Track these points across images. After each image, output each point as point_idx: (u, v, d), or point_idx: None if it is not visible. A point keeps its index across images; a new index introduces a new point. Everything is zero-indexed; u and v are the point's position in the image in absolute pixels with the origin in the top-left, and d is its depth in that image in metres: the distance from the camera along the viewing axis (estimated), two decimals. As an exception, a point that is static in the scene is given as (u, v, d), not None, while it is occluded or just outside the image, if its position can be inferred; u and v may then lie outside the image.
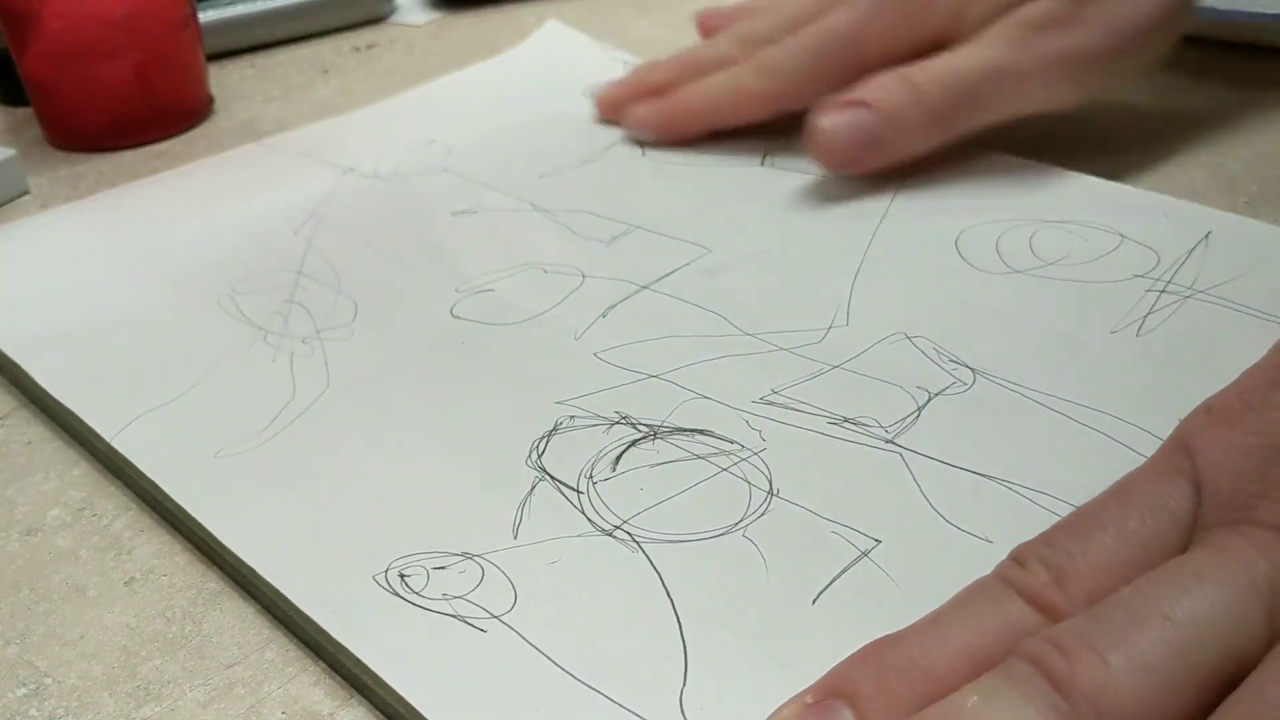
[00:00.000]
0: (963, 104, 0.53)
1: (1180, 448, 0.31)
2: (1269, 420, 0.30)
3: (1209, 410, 0.31)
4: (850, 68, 0.56)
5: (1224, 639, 0.26)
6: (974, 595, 0.30)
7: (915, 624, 0.30)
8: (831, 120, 0.54)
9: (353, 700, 0.33)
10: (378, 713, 0.33)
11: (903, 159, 0.54)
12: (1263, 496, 0.28)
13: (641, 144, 0.62)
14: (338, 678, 0.34)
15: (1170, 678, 0.26)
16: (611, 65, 0.70)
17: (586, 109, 0.65)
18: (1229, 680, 0.26)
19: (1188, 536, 0.29)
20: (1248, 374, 0.32)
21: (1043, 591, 0.29)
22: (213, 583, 0.38)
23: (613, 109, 0.64)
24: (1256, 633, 0.26)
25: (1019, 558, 0.30)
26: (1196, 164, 0.56)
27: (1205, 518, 0.29)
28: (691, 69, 0.62)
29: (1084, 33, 0.52)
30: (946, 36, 0.55)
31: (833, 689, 0.28)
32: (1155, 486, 0.30)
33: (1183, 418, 0.32)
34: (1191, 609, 0.26)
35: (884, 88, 0.54)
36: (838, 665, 0.29)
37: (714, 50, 0.63)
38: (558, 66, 0.73)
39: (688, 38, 0.76)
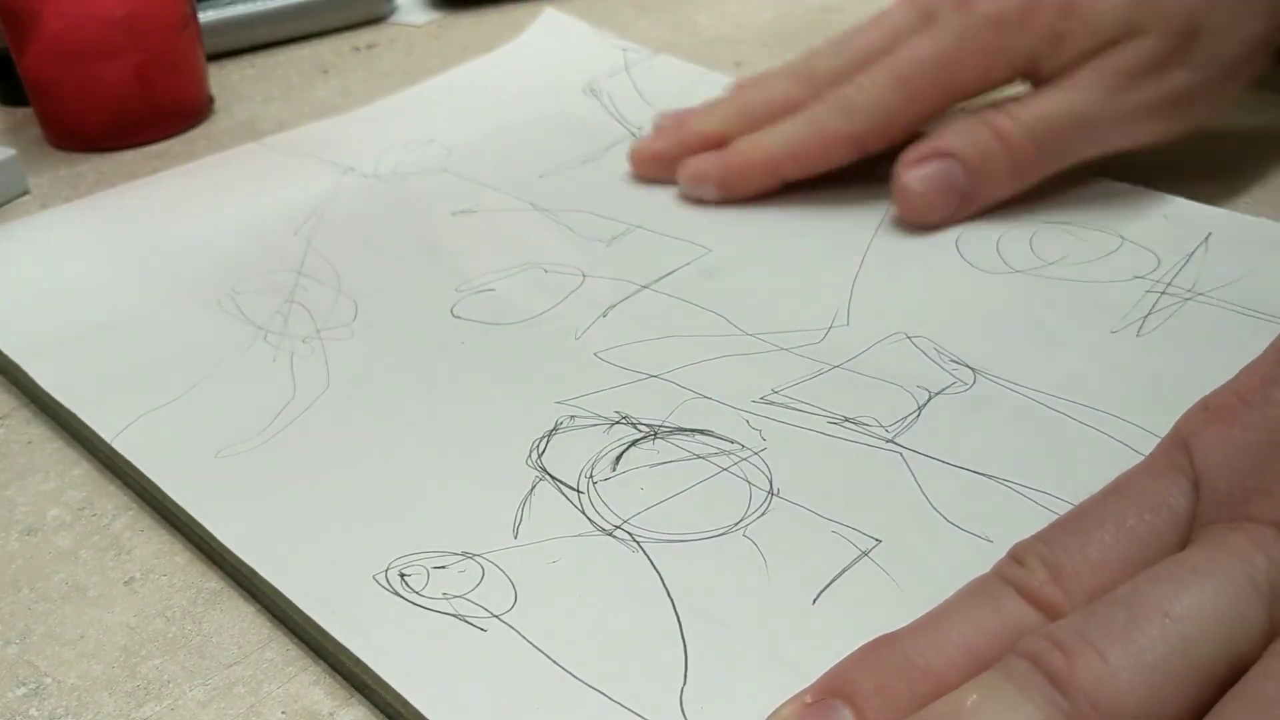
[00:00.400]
0: (1049, 152, 0.51)
1: (1179, 445, 0.31)
2: (1267, 416, 0.30)
3: (1207, 408, 0.31)
4: (942, 100, 0.53)
5: (1223, 635, 0.26)
6: (973, 593, 0.30)
7: (914, 623, 0.30)
8: (919, 177, 0.51)
9: (353, 700, 0.33)
10: (378, 713, 0.33)
11: (992, 204, 0.52)
12: (1260, 492, 0.28)
13: (703, 202, 0.56)
14: (338, 678, 0.34)
15: (1170, 674, 0.26)
16: (611, 54, 0.70)
17: (587, 107, 0.65)
18: (1228, 677, 0.26)
19: (1186, 533, 0.29)
20: (1245, 371, 0.32)
21: (1041, 589, 0.29)
22: (213, 582, 0.38)
23: (657, 165, 0.58)
24: (1255, 629, 0.26)
25: (1018, 556, 0.30)
26: (1197, 164, 0.56)
27: (1204, 514, 0.29)
28: (746, 117, 0.56)
29: (1186, 73, 0.50)
30: (1042, 64, 0.51)
31: (832, 688, 0.28)
32: (1154, 484, 0.30)
33: (1181, 416, 0.32)
34: (1191, 606, 0.26)
35: (970, 136, 0.51)
36: (837, 665, 0.29)
37: (773, 92, 0.57)
38: (558, 59, 0.73)
39: (688, 37, 0.76)
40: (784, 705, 0.29)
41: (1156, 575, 0.27)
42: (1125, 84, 0.49)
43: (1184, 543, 0.29)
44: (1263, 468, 0.29)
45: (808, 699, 0.28)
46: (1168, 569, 0.27)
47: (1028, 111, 0.50)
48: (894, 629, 0.29)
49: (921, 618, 0.30)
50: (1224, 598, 0.26)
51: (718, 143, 0.56)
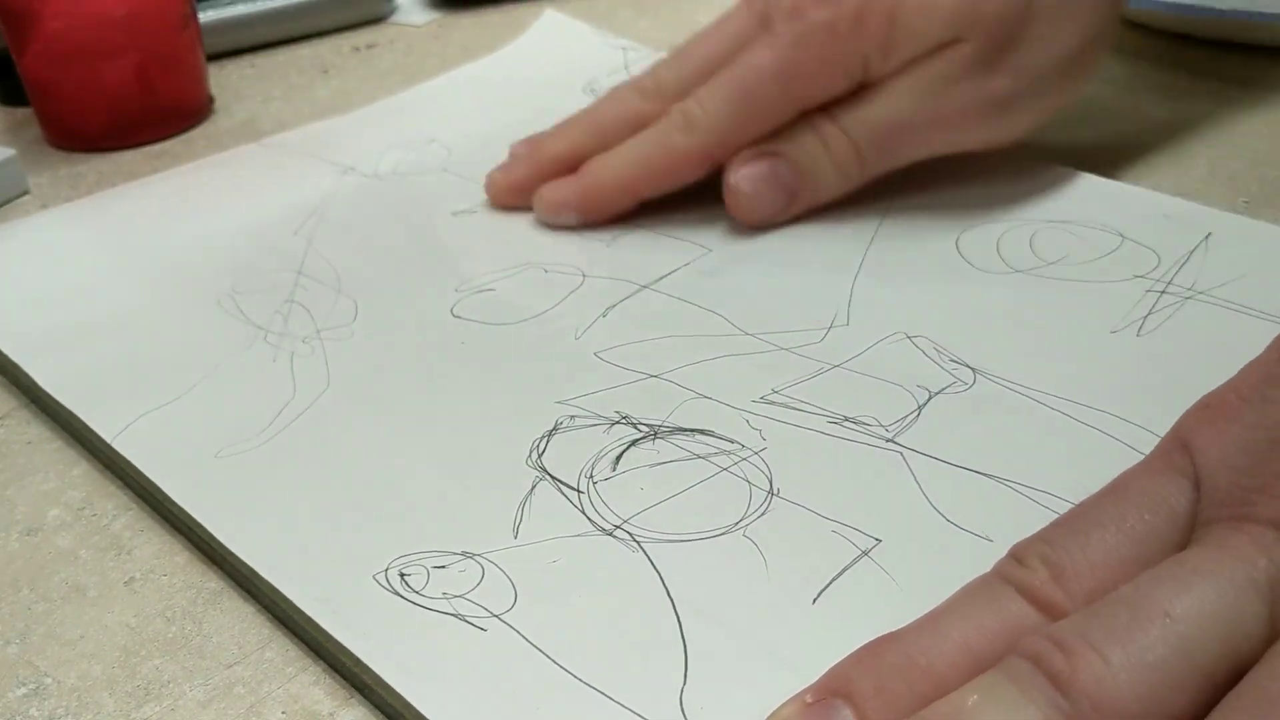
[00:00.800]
0: (871, 155, 0.52)
1: (1178, 444, 0.31)
2: (1266, 415, 0.30)
3: (1206, 407, 0.31)
4: (781, 109, 0.53)
5: (1224, 636, 0.26)
6: (973, 593, 0.30)
7: (915, 622, 0.29)
8: (746, 176, 0.52)
9: (353, 700, 0.33)
10: (377, 712, 0.33)
11: (820, 205, 0.53)
12: (1261, 492, 0.28)
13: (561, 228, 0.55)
14: (338, 677, 0.34)
15: (1171, 675, 0.26)
16: (611, 54, 0.70)
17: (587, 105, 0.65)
18: (1229, 677, 0.26)
19: (1187, 533, 0.29)
20: (1245, 370, 0.32)
21: (1042, 589, 0.29)
22: (213, 582, 0.38)
23: (513, 194, 0.57)
24: (1256, 630, 0.26)
25: (1019, 555, 0.30)
26: (1196, 164, 0.56)
27: (1204, 514, 0.29)
28: (596, 134, 0.56)
29: (1002, 81, 0.51)
30: (873, 70, 0.51)
31: (832, 688, 0.28)
32: (1154, 483, 0.30)
33: (1181, 415, 0.32)
34: (1192, 606, 0.26)
35: (797, 138, 0.52)
36: (837, 664, 0.29)
37: (618, 107, 0.57)
38: (558, 60, 0.73)
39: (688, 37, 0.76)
40: (784, 705, 0.29)
41: (1158, 576, 0.27)
42: (941, 89, 0.51)
43: (1184, 542, 0.29)
44: (1262, 466, 0.28)
45: (808, 699, 0.28)
46: (1169, 569, 0.27)
47: (849, 115, 0.52)
48: (894, 628, 0.29)
49: (922, 617, 0.30)
50: (1225, 598, 0.26)
51: (571, 165, 0.56)
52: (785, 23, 0.51)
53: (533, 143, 0.58)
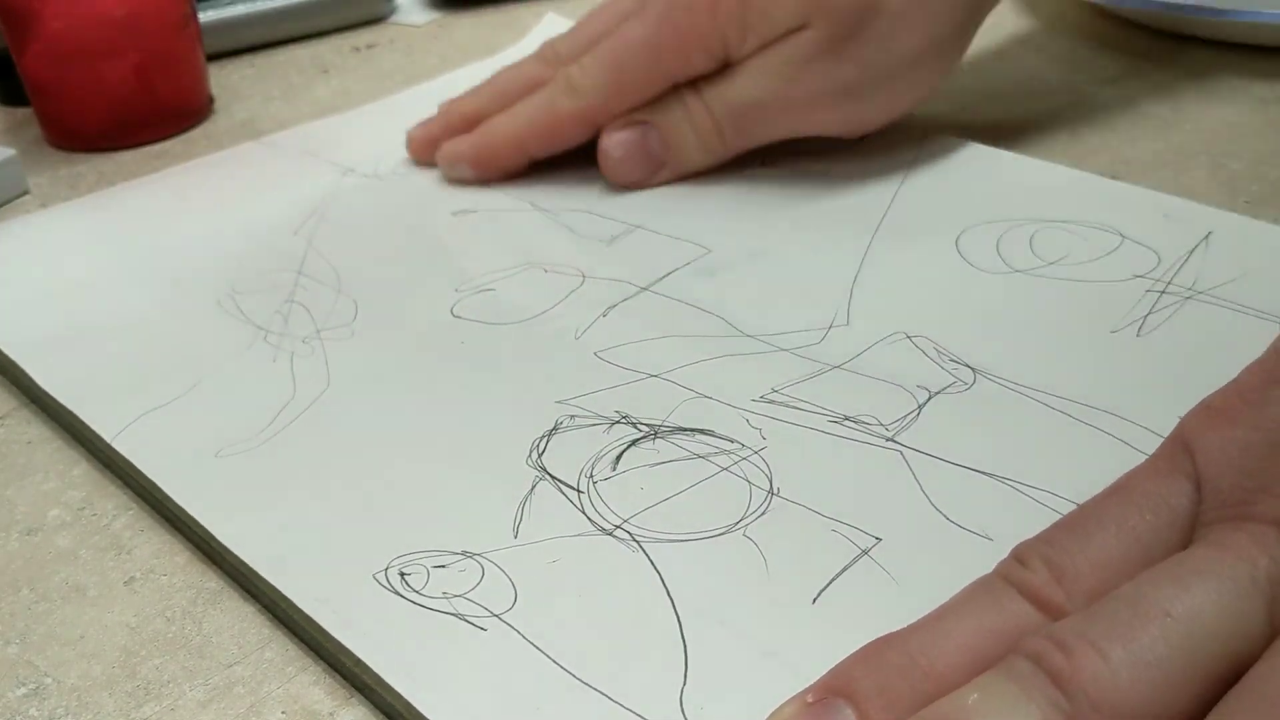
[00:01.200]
0: (730, 131, 0.56)
1: (1180, 446, 0.31)
2: (1267, 416, 0.30)
3: (1208, 408, 0.31)
4: (653, 79, 0.57)
5: (1225, 635, 0.26)
6: (975, 593, 0.30)
7: (916, 622, 0.29)
8: (617, 141, 0.57)
9: (353, 700, 0.33)
10: (378, 712, 0.33)
11: (686, 175, 0.58)
12: (1262, 491, 0.28)
13: (462, 181, 0.60)
14: (338, 677, 0.34)
15: (1171, 674, 0.26)
16: None
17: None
18: (1229, 676, 0.26)
19: (1188, 534, 0.29)
20: (1247, 372, 0.32)
21: (1043, 589, 0.29)
22: (212, 582, 0.38)
23: (426, 148, 0.62)
24: (1257, 629, 0.26)
25: (1020, 556, 0.30)
26: (1196, 164, 0.56)
27: (1205, 514, 0.29)
28: (500, 96, 0.61)
29: (849, 68, 0.54)
30: (732, 49, 0.55)
31: (834, 688, 0.28)
32: (1156, 484, 0.30)
33: (1183, 417, 0.32)
34: (1192, 605, 0.26)
35: (665, 109, 0.57)
36: (839, 664, 0.29)
37: (520, 72, 0.62)
38: None
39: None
40: (785, 704, 0.29)
41: (1158, 575, 0.27)
42: (793, 72, 0.54)
43: (1186, 542, 0.29)
44: (1264, 467, 0.28)
45: (809, 698, 0.28)
46: (1169, 569, 0.27)
47: (712, 91, 0.56)
48: (894, 628, 0.29)
49: (923, 618, 0.30)
50: (1225, 597, 0.26)
51: (475, 123, 0.60)
52: (656, 1, 0.56)
53: (448, 102, 0.63)
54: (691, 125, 0.56)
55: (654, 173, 0.57)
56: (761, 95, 0.55)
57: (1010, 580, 0.29)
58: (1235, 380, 0.32)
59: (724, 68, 0.56)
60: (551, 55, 0.61)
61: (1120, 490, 0.31)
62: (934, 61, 0.56)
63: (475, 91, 0.62)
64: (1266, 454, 0.29)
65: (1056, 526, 0.31)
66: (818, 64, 0.54)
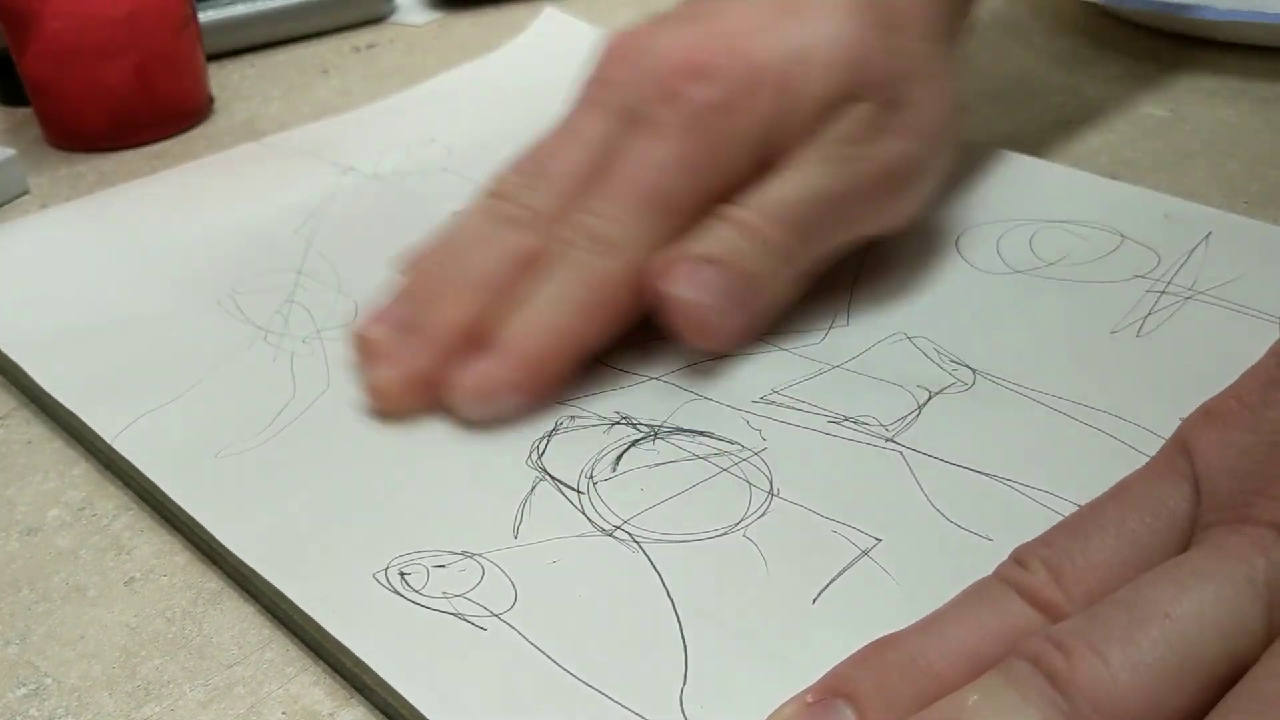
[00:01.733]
0: (802, 237, 0.44)
1: (1180, 449, 0.31)
2: (1265, 419, 0.30)
3: (1207, 412, 0.31)
4: (696, 204, 0.44)
5: (1223, 637, 0.26)
6: (975, 595, 0.30)
7: (916, 624, 0.30)
8: (692, 290, 0.42)
9: (353, 700, 0.33)
10: (377, 713, 0.33)
11: (766, 311, 0.45)
12: (1260, 494, 0.28)
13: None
14: (338, 678, 0.34)
15: (1170, 675, 0.26)
16: None
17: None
18: (1228, 677, 0.26)
19: (1187, 536, 0.29)
20: (1245, 376, 0.32)
21: (1042, 590, 0.29)
22: (212, 582, 0.38)
23: (420, 391, 0.43)
24: (1255, 630, 0.26)
25: (1020, 558, 0.30)
26: (1196, 164, 0.56)
27: (1204, 517, 0.29)
28: (488, 288, 0.44)
29: (903, 142, 0.46)
30: (772, 146, 0.44)
31: (833, 688, 0.28)
32: (1155, 487, 0.30)
33: (1183, 416, 0.32)
34: (1191, 607, 0.26)
35: (722, 240, 0.43)
36: (838, 665, 0.29)
37: (497, 249, 0.44)
38: (558, 59, 0.72)
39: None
40: (785, 705, 0.29)
41: (1157, 577, 0.27)
42: (850, 152, 0.45)
43: (1185, 545, 0.29)
44: (1262, 470, 0.29)
45: (809, 699, 0.28)
46: (1168, 571, 0.27)
47: (763, 199, 0.44)
48: (894, 628, 0.29)
49: (923, 619, 0.30)
50: (1224, 599, 0.26)
51: (478, 335, 0.43)
52: (664, 110, 0.44)
53: (402, 320, 0.44)
54: (764, 246, 0.43)
55: (738, 316, 0.43)
56: (822, 185, 0.44)
57: (1010, 582, 0.29)
58: (1234, 384, 0.32)
59: (761, 170, 0.44)
60: (526, 215, 0.44)
61: (1120, 493, 0.31)
62: (955, 121, 0.49)
63: (443, 290, 0.44)
64: (1264, 456, 0.29)
65: (1056, 529, 0.31)
66: (876, 141, 0.45)
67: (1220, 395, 0.32)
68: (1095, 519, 0.30)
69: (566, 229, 0.43)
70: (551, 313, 0.42)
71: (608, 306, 0.43)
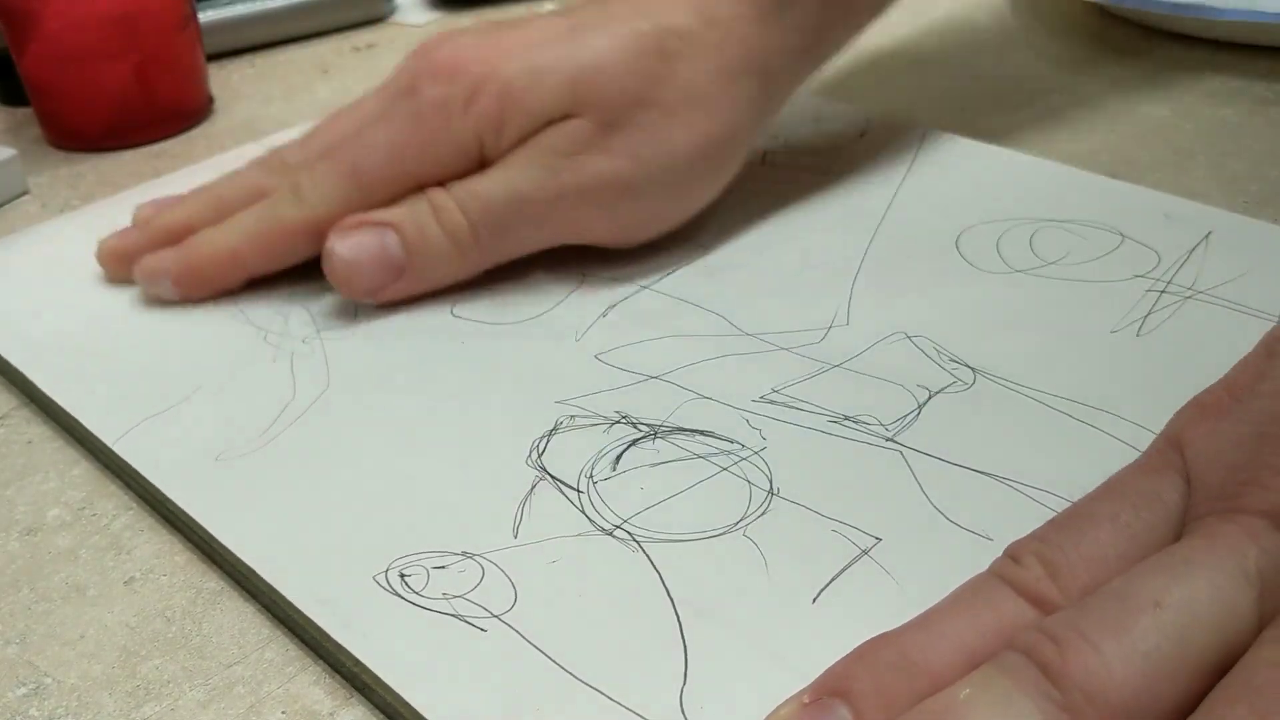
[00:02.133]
0: (489, 230, 0.49)
1: (1171, 443, 0.31)
2: (1254, 409, 0.30)
3: (1198, 405, 0.32)
4: (394, 185, 0.50)
5: (1215, 624, 0.26)
6: (969, 592, 0.30)
7: (911, 621, 0.30)
8: (347, 244, 0.49)
9: (352, 700, 0.33)
10: (377, 712, 0.33)
11: (433, 287, 0.50)
12: (1250, 483, 0.28)
13: (164, 302, 0.52)
14: (337, 677, 0.34)
15: (1162, 663, 0.26)
16: None
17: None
18: (1221, 665, 0.26)
19: (1180, 528, 0.29)
20: (1236, 369, 0.32)
21: (1037, 585, 0.29)
22: (212, 582, 0.38)
23: (121, 262, 0.53)
24: (1247, 618, 0.26)
25: (1014, 554, 0.30)
26: (1197, 164, 0.56)
27: (1195, 508, 0.29)
28: (213, 206, 0.53)
29: (611, 161, 0.48)
30: (488, 148, 0.49)
31: (830, 687, 0.28)
32: (1147, 481, 0.31)
33: (1174, 414, 0.32)
34: (1182, 596, 0.26)
35: (409, 210, 0.49)
36: (834, 664, 0.29)
37: (240, 181, 0.54)
38: None
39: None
40: (782, 705, 0.29)
41: (1149, 567, 0.28)
42: (555, 163, 0.48)
43: (1178, 537, 0.29)
44: (1252, 459, 0.29)
45: (805, 698, 0.28)
46: (1160, 561, 0.28)
47: (465, 188, 0.49)
48: (894, 627, 0.29)
49: (918, 616, 0.30)
50: (1215, 587, 0.27)
51: (183, 236, 0.52)
52: (402, 100, 0.50)
53: (148, 208, 0.56)
54: (440, 225, 0.49)
55: (390, 281, 0.49)
56: (523, 187, 0.48)
57: (1004, 578, 0.30)
58: (1225, 378, 0.32)
59: (478, 168, 0.50)
60: (278, 164, 0.53)
61: (1113, 488, 0.31)
62: (713, 164, 0.51)
63: (183, 201, 0.54)
64: (1254, 446, 0.29)
65: (1050, 524, 0.31)
66: (585, 156, 0.48)
67: (1211, 388, 0.32)
68: (1088, 513, 0.30)
69: (284, 179, 0.52)
70: (226, 234, 0.51)
71: (274, 243, 0.51)
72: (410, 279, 0.49)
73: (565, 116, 0.48)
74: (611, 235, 0.51)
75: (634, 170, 0.49)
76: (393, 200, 0.50)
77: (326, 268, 0.49)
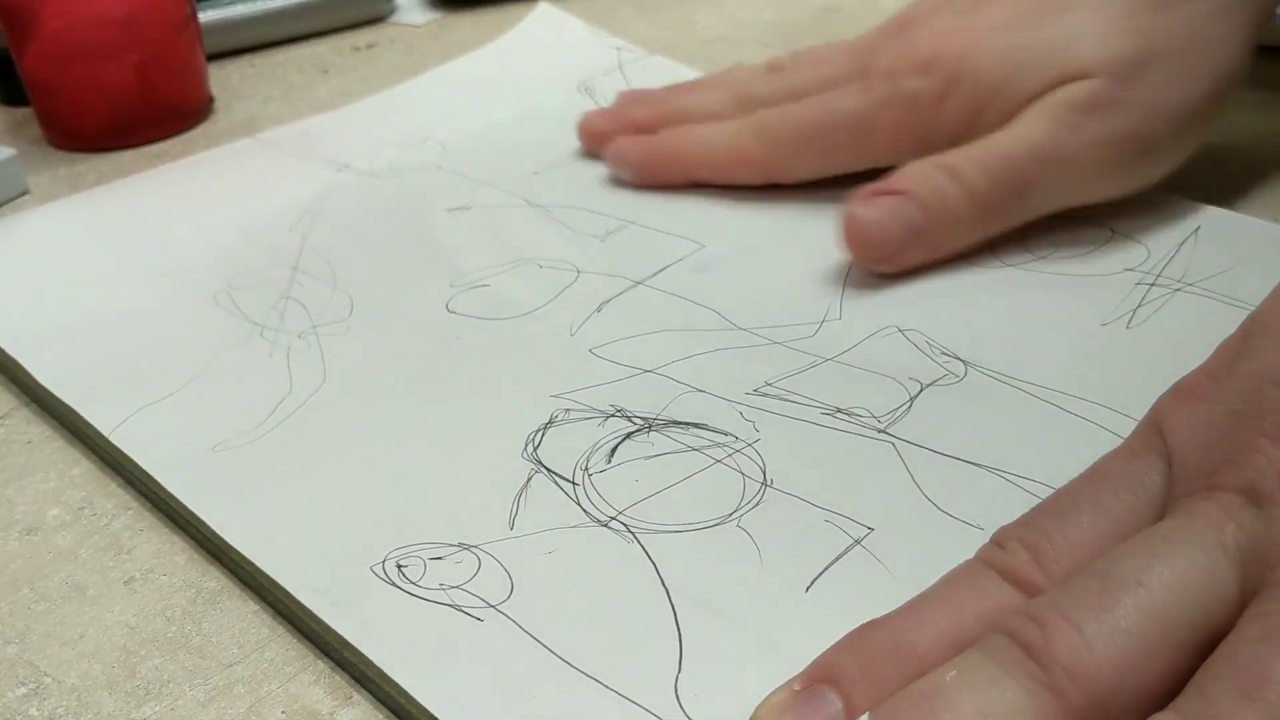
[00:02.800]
0: (1009, 190, 0.48)
1: (1153, 427, 0.32)
2: (1231, 390, 0.30)
3: (1179, 390, 0.32)
4: (851, 154, 0.53)
5: (1197, 601, 0.26)
6: (956, 578, 0.30)
7: (899, 609, 0.30)
8: (869, 210, 0.48)
9: (352, 699, 0.33)
10: (377, 711, 0.33)
11: (949, 253, 0.49)
12: (1227, 462, 0.28)
13: (620, 181, 0.58)
14: (338, 677, 0.34)
15: (1145, 641, 0.26)
16: (606, 53, 0.71)
17: (581, 104, 0.65)
18: (1204, 643, 0.26)
19: (1162, 510, 0.30)
20: (1215, 353, 0.32)
21: (1022, 569, 0.29)
22: (212, 582, 0.38)
23: (596, 140, 0.60)
24: (1229, 595, 0.27)
25: (999, 540, 0.30)
26: (1189, 159, 0.56)
27: (1176, 489, 0.29)
28: (679, 113, 0.59)
29: (1130, 116, 0.47)
30: (960, 139, 0.49)
31: (819, 675, 0.29)
32: (1129, 465, 0.31)
33: (1156, 400, 0.33)
34: (1163, 574, 0.27)
35: (922, 175, 0.48)
36: (824, 653, 0.29)
37: (706, 98, 0.59)
38: (552, 56, 0.73)
39: (688, 37, 0.76)
40: (774, 693, 0.29)
41: (1130, 547, 0.28)
42: (1073, 118, 0.47)
43: (1160, 518, 0.29)
44: (1228, 438, 0.29)
45: (796, 686, 0.29)
46: (1140, 540, 0.28)
47: (979, 148, 0.48)
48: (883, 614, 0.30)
49: (906, 603, 0.30)
50: (1196, 564, 0.27)
51: (651, 129, 0.58)
52: (877, 82, 0.52)
53: (625, 99, 0.62)
54: (960, 187, 0.47)
55: (915, 246, 0.48)
56: (1043, 142, 0.47)
57: (990, 563, 0.30)
58: (1205, 363, 0.32)
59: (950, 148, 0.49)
60: (748, 93, 0.57)
61: (1096, 472, 0.32)
62: (1212, 105, 0.49)
63: (655, 99, 0.61)
64: (1230, 425, 0.29)
65: (1034, 511, 0.31)
66: (1099, 112, 0.47)
67: (1191, 374, 0.32)
68: (1072, 499, 0.31)
69: (746, 108, 0.56)
70: (688, 140, 0.57)
71: (728, 167, 0.56)
72: (928, 243, 0.48)
73: (1074, 77, 0.48)
74: (1121, 187, 0.49)
75: (1153, 124, 0.48)
76: (843, 168, 0.53)
77: (849, 231, 0.48)
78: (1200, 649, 0.26)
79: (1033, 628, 0.26)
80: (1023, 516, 0.31)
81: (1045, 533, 0.30)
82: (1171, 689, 0.26)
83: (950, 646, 0.28)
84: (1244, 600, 0.27)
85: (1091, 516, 0.30)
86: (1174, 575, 0.27)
